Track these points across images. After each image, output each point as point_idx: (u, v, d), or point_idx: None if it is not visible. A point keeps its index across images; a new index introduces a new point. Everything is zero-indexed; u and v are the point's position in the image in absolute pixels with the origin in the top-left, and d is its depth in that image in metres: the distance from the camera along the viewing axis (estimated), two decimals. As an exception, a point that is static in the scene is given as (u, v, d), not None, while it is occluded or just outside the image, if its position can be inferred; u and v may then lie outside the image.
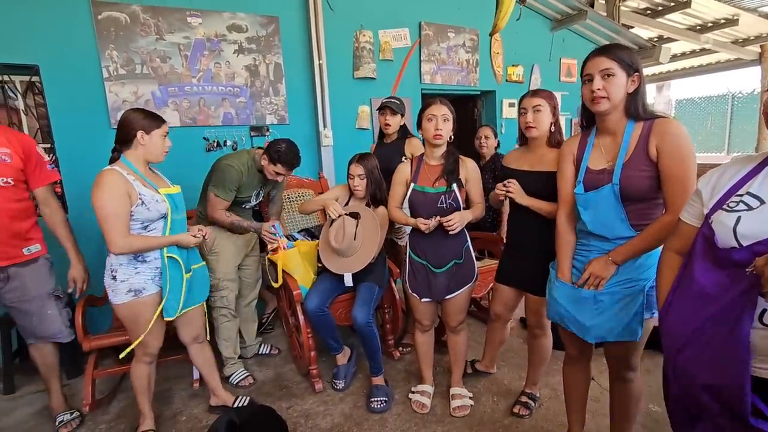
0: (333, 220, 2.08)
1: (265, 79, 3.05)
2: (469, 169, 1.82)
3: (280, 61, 3.08)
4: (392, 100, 2.48)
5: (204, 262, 1.91)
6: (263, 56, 3.02)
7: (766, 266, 0.73)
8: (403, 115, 2.50)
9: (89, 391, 2.05)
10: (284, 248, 2.16)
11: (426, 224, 1.73)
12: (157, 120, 1.72)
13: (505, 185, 1.70)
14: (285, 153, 2.08)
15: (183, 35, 2.76)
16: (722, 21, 5.96)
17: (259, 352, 2.61)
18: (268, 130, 3.09)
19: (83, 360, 2.31)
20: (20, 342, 1.92)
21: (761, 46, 6.76)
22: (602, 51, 1.29)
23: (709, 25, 6.11)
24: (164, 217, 1.68)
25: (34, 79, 2.60)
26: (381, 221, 2.22)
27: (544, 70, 4.37)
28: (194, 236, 1.78)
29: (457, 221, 1.70)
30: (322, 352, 2.42)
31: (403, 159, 2.38)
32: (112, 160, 1.71)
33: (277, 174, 2.13)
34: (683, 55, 7.69)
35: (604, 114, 1.31)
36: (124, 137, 1.66)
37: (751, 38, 6.73)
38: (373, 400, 2.02)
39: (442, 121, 1.75)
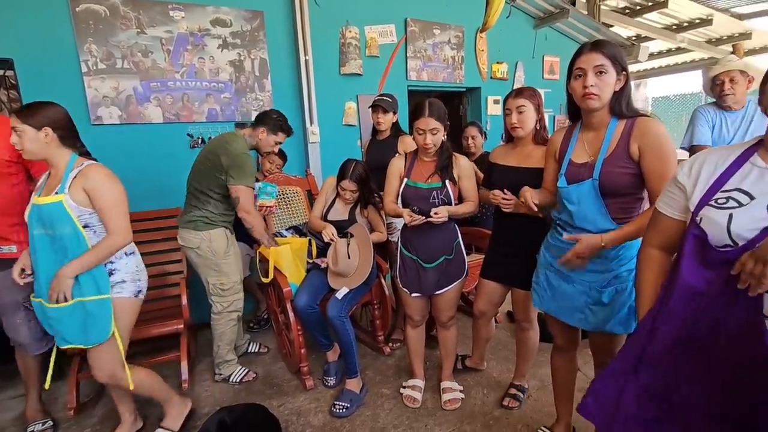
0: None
1: (250, 75, 3.01)
2: (462, 166, 1.83)
3: (266, 56, 3.04)
4: (384, 98, 2.48)
5: (106, 295, 1.53)
6: (248, 51, 2.97)
7: (748, 262, 0.74)
8: (395, 113, 2.50)
9: (73, 395, 2.00)
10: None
11: (411, 216, 1.74)
12: None
13: (504, 199, 1.68)
14: (283, 120, 2.12)
15: (165, 29, 2.69)
16: (697, 21, 6.15)
17: (248, 351, 2.59)
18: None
19: (67, 363, 2.26)
20: (4, 344, 1.85)
21: (733, 46, 7.00)
22: (596, 47, 1.27)
23: (685, 24, 6.30)
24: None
25: (8, 73, 2.50)
26: (374, 225, 2.23)
27: (527, 68, 4.42)
28: None
29: (443, 214, 1.71)
30: (312, 349, 2.42)
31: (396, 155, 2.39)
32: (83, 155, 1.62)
33: (276, 144, 2.14)
34: (660, 54, 7.90)
35: (594, 110, 1.32)
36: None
37: (724, 38, 6.97)
38: (335, 403, 1.99)
39: (431, 135, 1.76)
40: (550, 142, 1.55)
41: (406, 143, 2.44)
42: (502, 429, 1.86)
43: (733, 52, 6.94)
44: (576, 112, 1.43)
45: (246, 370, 2.31)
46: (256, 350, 2.60)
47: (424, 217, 1.73)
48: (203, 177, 2.10)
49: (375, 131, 2.63)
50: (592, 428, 1.68)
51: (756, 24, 6.58)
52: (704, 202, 0.88)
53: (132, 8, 2.58)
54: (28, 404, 1.94)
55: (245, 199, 2.05)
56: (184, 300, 2.26)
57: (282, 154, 2.85)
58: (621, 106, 1.30)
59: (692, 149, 2.29)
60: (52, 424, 1.95)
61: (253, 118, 3.03)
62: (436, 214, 1.71)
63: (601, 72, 1.25)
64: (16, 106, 2.52)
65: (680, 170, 0.96)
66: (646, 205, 1.34)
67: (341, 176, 2.17)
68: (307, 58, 3.09)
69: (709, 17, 5.99)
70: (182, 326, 2.19)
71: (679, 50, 7.36)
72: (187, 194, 2.19)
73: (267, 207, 2.27)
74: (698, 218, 0.87)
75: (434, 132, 1.76)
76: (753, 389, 0.78)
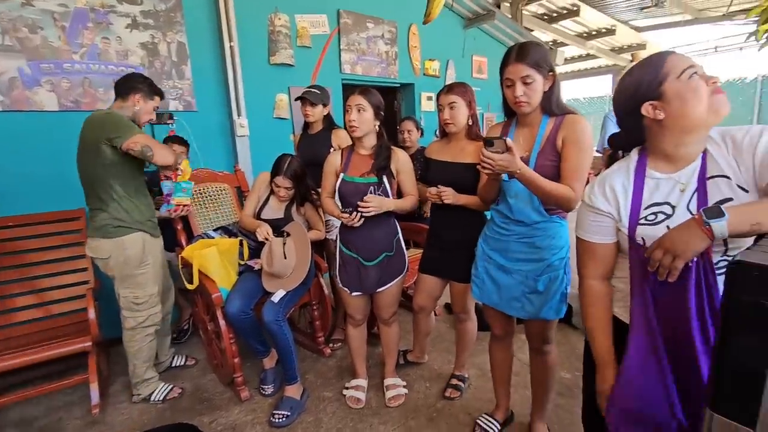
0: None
1: (166, 60, 2.71)
2: (400, 160, 1.79)
3: (184, 40, 2.77)
4: (311, 90, 2.37)
5: None
6: (163, 34, 2.68)
7: (656, 253, 0.82)
8: (325, 105, 2.41)
9: None
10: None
11: (346, 218, 1.68)
12: None
13: (439, 193, 1.70)
14: (152, 82, 1.97)
15: (58, 2, 2.32)
16: (603, 30, 6.81)
17: (173, 365, 2.34)
18: (171, 117, 2.75)
19: None
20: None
21: (632, 54, 7.87)
22: (520, 58, 1.29)
23: (593, 33, 6.94)
24: None
25: None
26: (312, 222, 2.13)
27: (458, 66, 4.56)
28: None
29: (372, 205, 1.65)
30: (246, 357, 2.25)
31: (331, 150, 2.30)
32: None
33: (154, 110, 1.97)
34: (573, 59, 8.65)
35: (526, 114, 1.38)
36: None
37: (625, 47, 7.81)
38: (274, 413, 1.87)
39: (356, 111, 1.70)
40: (489, 134, 1.57)
41: (340, 137, 2.37)
42: (445, 420, 1.88)
43: (632, 61, 7.80)
44: (511, 109, 1.47)
45: (170, 387, 2.08)
46: (182, 363, 2.37)
47: (358, 215, 1.67)
48: (95, 172, 1.81)
49: (306, 125, 2.51)
50: (528, 412, 1.77)
51: (650, 36, 7.46)
52: (635, 222, 0.93)
53: (14, -25, 2.19)
54: None
55: (146, 139, 1.79)
56: (92, 314, 1.97)
57: (181, 140, 2.56)
58: (551, 104, 1.36)
59: (605, 151, 2.51)
60: None
61: (171, 108, 2.76)
62: (365, 204, 1.65)
63: (526, 82, 1.30)
64: None
65: (595, 198, 1.00)
66: None
67: (275, 172, 2.03)
68: (232, 44, 2.87)
69: (613, 27, 6.66)
70: (90, 344, 1.91)
71: (589, 56, 8.12)
72: (86, 197, 1.89)
73: (184, 206, 2.04)
74: (638, 239, 0.92)
75: (359, 108, 1.69)
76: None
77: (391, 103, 4.47)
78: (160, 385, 2.07)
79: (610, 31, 6.73)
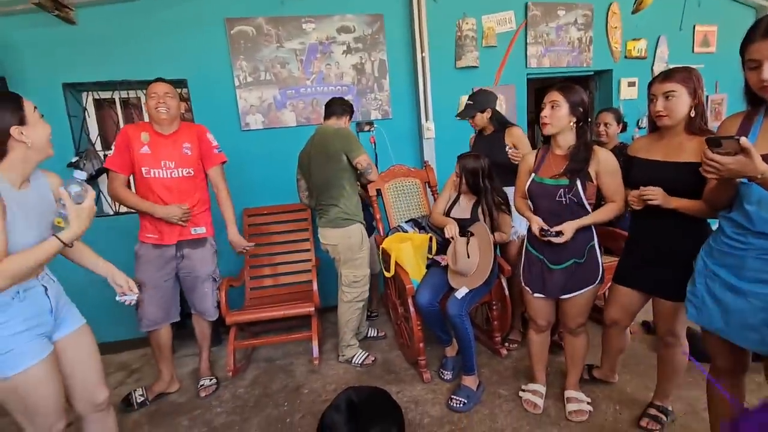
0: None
1: (370, 76, 3.17)
2: (601, 160, 1.65)
3: (384, 57, 3.17)
4: (467, 104, 2.40)
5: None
6: (368, 54, 3.13)
7: None
8: (483, 111, 2.38)
9: (231, 359, 2.39)
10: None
11: (538, 231, 1.70)
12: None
13: (643, 194, 1.54)
14: (348, 103, 2.46)
15: (299, 41, 2.99)
16: None
17: (368, 336, 2.77)
18: (371, 125, 3.21)
19: (222, 332, 2.71)
20: (182, 312, 2.30)
21: None
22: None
23: None
24: None
25: (184, 90, 3.05)
26: (498, 224, 2.19)
27: (672, 42, 3.81)
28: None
29: (564, 238, 1.64)
30: (428, 342, 2.48)
31: (507, 150, 2.30)
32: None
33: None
34: None
35: None
36: None
37: None
38: (452, 397, 2.02)
39: (549, 108, 1.65)
40: (721, 130, 1.32)
41: (514, 135, 2.34)
42: (639, 452, 1.69)
43: None
44: (755, 96, 1.20)
45: (366, 354, 2.48)
46: (375, 335, 2.78)
47: (548, 235, 1.67)
48: (333, 175, 2.30)
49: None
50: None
51: None
52: None
53: (273, 26, 2.92)
54: (201, 362, 2.38)
55: (374, 171, 2.35)
56: (315, 286, 2.52)
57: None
58: None
59: None
60: (216, 381, 2.36)
61: (372, 118, 3.22)
62: (559, 233, 1.64)
63: None
64: (188, 116, 3.05)
65: None
66: None
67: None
68: (423, 55, 3.13)
69: None
70: (313, 309, 2.44)
71: None
72: (318, 195, 2.40)
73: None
74: None
75: (554, 105, 1.65)
76: None
77: (582, 94, 4.07)
78: (359, 351, 2.49)
79: None
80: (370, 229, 2.73)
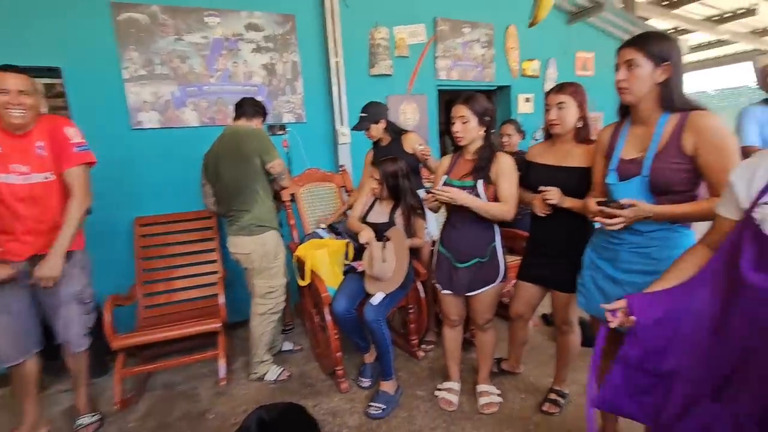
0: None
1: (282, 78, 3.05)
2: (500, 164, 1.75)
3: (297, 59, 3.08)
4: (361, 117, 2.42)
5: None
6: (280, 55, 3.02)
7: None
8: (377, 122, 2.42)
9: (118, 390, 2.07)
10: None
11: (425, 196, 1.76)
12: None
13: (543, 194, 1.66)
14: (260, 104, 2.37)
15: (201, 35, 2.76)
16: (740, 11, 5.84)
17: (283, 350, 2.61)
18: (283, 128, 3.08)
19: (110, 359, 2.34)
20: (51, 340, 1.93)
21: (780, 36, 6.62)
22: (629, 41, 1.28)
23: (727, 15, 6.00)
24: None
25: (56, 81, 2.62)
26: (413, 229, 2.20)
27: (560, 64, 4.31)
28: None
29: (448, 194, 1.65)
30: (345, 350, 2.41)
31: (417, 147, 2.35)
32: None
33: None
34: (699, 47, 7.56)
35: (630, 104, 1.31)
36: None
37: (770, 28, 6.60)
38: (371, 404, 1.99)
39: (461, 123, 1.74)
40: (598, 139, 1.50)
41: (411, 139, 2.41)
42: (543, 435, 1.81)
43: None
44: (626, 107, 1.38)
45: (281, 369, 2.33)
46: (291, 349, 2.63)
47: (432, 196, 1.71)
48: (246, 178, 2.14)
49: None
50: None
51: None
52: (760, 200, 0.87)
53: (170, 16, 2.66)
54: (77, 398, 2.01)
55: (287, 176, 2.26)
56: (222, 299, 2.31)
57: None
58: (669, 100, 1.25)
59: (742, 151, 2.17)
60: (99, 417, 2.02)
61: (284, 121, 3.09)
62: (443, 189, 1.67)
63: (630, 66, 1.25)
64: (63, 113, 2.62)
65: (735, 173, 0.96)
66: None
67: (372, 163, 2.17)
68: (337, 60, 3.11)
69: (753, 6, 5.68)
70: (220, 325, 2.23)
71: (720, 42, 7.02)
72: (227, 201, 2.21)
73: None
74: (757, 217, 0.86)
75: (463, 120, 1.73)
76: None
77: (486, 106, 4.39)
78: (273, 367, 2.33)
79: (750, 12, 5.75)
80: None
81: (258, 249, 2.15)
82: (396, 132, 2.48)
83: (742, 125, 2.20)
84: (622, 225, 1.25)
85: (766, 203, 0.85)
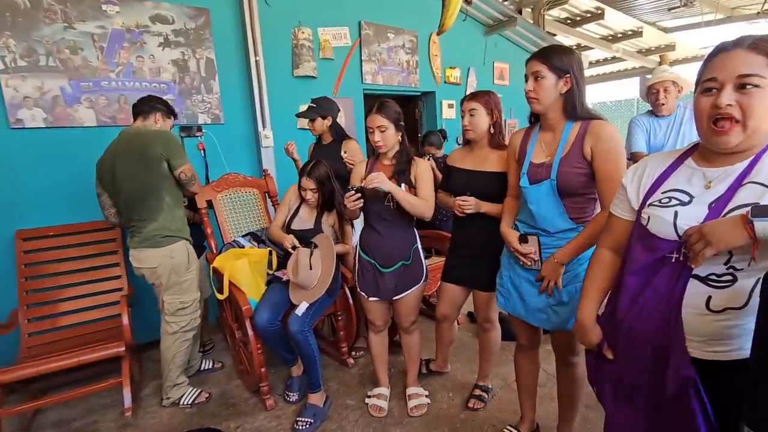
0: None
1: (195, 75, 2.83)
2: (420, 168, 1.80)
3: (212, 56, 2.88)
4: (309, 107, 2.39)
5: None
6: (193, 51, 2.80)
7: (693, 235, 0.80)
8: (325, 117, 2.39)
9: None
10: None
11: (348, 196, 1.70)
12: None
13: (460, 205, 1.71)
14: (167, 101, 2.14)
15: (97, 24, 2.46)
16: (629, 32, 6.64)
17: (201, 369, 2.41)
18: (200, 129, 2.86)
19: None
20: None
21: (660, 56, 7.64)
22: (535, 54, 1.37)
23: (619, 35, 6.78)
24: None
25: None
26: (341, 235, 2.14)
27: (479, 73, 4.55)
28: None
29: (377, 180, 1.63)
30: (271, 364, 2.29)
31: (342, 155, 2.33)
32: None
33: (171, 128, 2.19)
34: (598, 62, 8.46)
35: (539, 113, 1.40)
36: None
37: (653, 49, 7.59)
38: (297, 420, 1.90)
39: (380, 132, 1.74)
40: (509, 144, 1.57)
41: (351, 148, 2.39)
42: (468, 431, 1.85)
43: (660, 62, 7.58)
44: (536, 114, 1.46)
45: (198, 391, 2.14)
46: (210, 367, 2.43)
47: (357, 194, 1.68)
48: (149, 183, 1.93)
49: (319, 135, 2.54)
50: (554, 425, 1.72)
51: (679, 37, 7.22)
52: (647, 202, 0.94)
53: (58, 1, 2.34)
54: None
55: (197, 182, 2.07)
56: (125, 320, 2.06)
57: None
58: (573, 109, 1.34)
59: (632, 157, 2.43)
60: None
61: (200, 122, 2.87)
62: (370, 179, 1.64)
63: (537, 77, 1.33)
64: None
65: (626, 175, 1.04)
66: (598, 207, 1.39)
67: (300, 174, 2.07)
68: (257, 59, 2.97)
69: (639, 29, 6.49)
70: (123, 349, 1.99)
71: (615, 59, 7.92)
72: (128, 210, 1.98)
73: None
74: (644, 216, 0.92)
75: (382, 129, 1.74)
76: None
77: (413, 111, 4.49)
78: (189, 389, 2.13)
79: (637, 33, 6.56)
80: (201, 249, 2.41)
81: (165, 262, 1.95)
82: (339, 135, 2.44)
83: (631, 133, 2.46)
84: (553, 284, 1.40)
85: (651, 204, 0.92)
